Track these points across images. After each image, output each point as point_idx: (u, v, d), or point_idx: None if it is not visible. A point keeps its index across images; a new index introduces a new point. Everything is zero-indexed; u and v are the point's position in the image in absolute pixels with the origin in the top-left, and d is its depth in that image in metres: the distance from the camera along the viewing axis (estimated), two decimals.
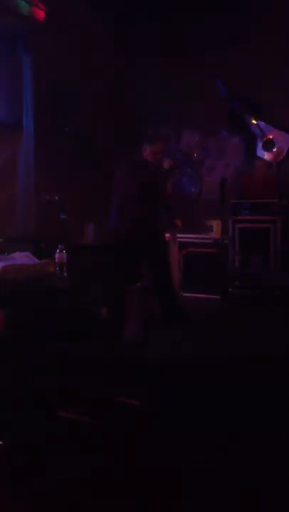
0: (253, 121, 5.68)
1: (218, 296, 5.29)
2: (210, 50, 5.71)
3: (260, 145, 5.71)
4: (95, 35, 5.72)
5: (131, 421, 2.81)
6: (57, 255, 3.53)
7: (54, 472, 2.34)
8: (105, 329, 3.46)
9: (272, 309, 4.93)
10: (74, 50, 5.55)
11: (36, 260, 3.59)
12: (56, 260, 3.53)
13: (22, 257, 3.52)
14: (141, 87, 6.02)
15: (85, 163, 5.71)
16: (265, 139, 5.65)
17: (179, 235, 5.78)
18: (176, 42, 5.89)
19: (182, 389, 3.22)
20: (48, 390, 2.97)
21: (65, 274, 3.52)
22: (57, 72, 5.41)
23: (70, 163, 5.57)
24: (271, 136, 5.63)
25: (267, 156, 5.71)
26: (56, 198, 5.52)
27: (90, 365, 3.12)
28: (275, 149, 5.63)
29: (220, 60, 5.67)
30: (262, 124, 5.65)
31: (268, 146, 5.64)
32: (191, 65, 5.81)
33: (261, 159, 5.75)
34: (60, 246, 3.51)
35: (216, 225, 5.67)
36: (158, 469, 2.36)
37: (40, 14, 4.87)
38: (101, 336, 3.38)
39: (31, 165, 5.39)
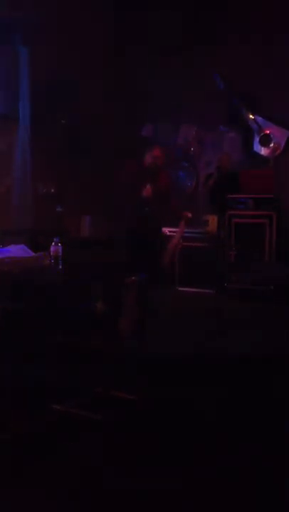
0: (251, 116, 5.67)
1: (213, 291, 5.30)
2: (208, 45, 5.70)
3: (257, 140, 5.70)
4: (94, 29, 5.70)
5: (127, 415, 2.82)
6: (52, 248, 3.54)
7: (52, 466, 2.34)
8: (101, 323, 3.47)
9: (266, 304, 4.95)
10: (72, 43, 5.53)
11: (31, 253, 3.59)
12: (51, 253, 3.54)
13: (17, 250, 3.53)
14: (139, 80, 6.01)
15: (81, 156, 5.71)
16: (262, 134, 5.65)
17: (174, 230, 5.79)
18: (175, 36, 5.88)
19: (179, 383, 3.23)
20: (44, 384, 2.98)
21: (60, 267, 3.53)
22: (54, 63, 5.40)
23: (66, 155, 5.56)
24: (268, 132, 5.62)
25: (264, 151, 5.70)
26: (53, 190, 5.53)
27: (86, 358, 3.13)
28: (271, 144, 5.63)
29: (218, 55, 5.66)
30: (259, 119, 5.65)
31: (265, 141, 5.64)
32: (190, 59, 5.80)
33: (258, 154, 5.75)
34: (55, 239, 3.52)
35: (211, 219, 5.67)
36: (154, 463, 2.36)
37: None
38: (97, 330, 3.39)
39: (28, 157, 5.38)
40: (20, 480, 2.25)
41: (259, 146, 5.70)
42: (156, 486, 2.19)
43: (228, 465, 2.33)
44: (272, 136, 5.62)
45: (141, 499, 2.12)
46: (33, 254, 3.59)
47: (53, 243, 3.53)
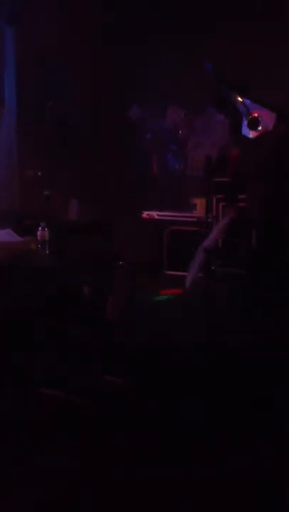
0: (239, 99, 5.62)
1: (200, 275, 5.30)
2: (198, 27, 5.63)
3: (245, 123, 5.66)
4: (82, 11, 5.59)
5: (116, 400, 2.82)
6: (39, 233, 3.52)
7: (38, 456, 2.34)
8: (89, 307, 3.47)
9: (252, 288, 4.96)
10: (59, 25, 5.43)
11: (18, 237, 3.57)
12: (38, 238, 3.52)
13: (3, 235, 3.50)
14: (127, 63, 5.92)
15: (68, 139, 5.65)
16: (250, 117, 5.60)
17: (163, 213, 5.78)
18: (164, 20, 5.79)
19: (167, 367, 3.24)
20: (33, 368, 2.98)
21: (48, 251, 3.51)
22: (40, 46, 5.31)
23: (53, 138, 5.50)
24: (256, 114, 5.58)
25: (252, 134, 5.67)
26: (39, 174, 5.47)
27: (75, 343, 3.13)
28: (260, 128, 5.59)
29: (208, 37, 5.59)
30: (247, 101, 5.60)
31: (253, 124, 5.60)
32: (179, 42, 5.72)
33: (246, 137, 5.71)
34: (41, 224, 3.50)
35: (200, 203, 5.66)
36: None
37: None
38: (85, 314, 3.39)
39: (14, 140, 5.32)
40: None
41: (247, 130, 5.66)
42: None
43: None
44: (260, 119, 5.58)
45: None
46: (19, 238, 3.57)
47: (40, 228, 3.52)
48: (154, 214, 5.78)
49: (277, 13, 5.29)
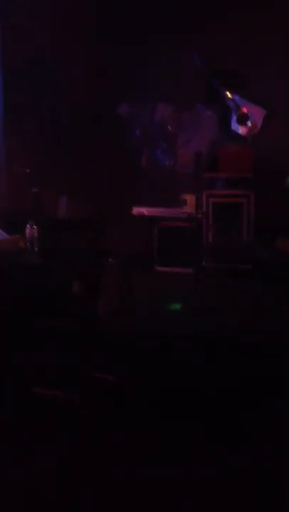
0: (228, 95, 5.61)
1: (191, 271, 5.30)
2: (187, 22, 5.60)
3: (234, 119, 5.66)
4: (70, 8, 5.53)
5: (108, 397, 2.81)
6: (27, 231, 3.49)
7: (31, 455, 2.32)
8: (79, 304, 3.44)
9: (243, 284, 4.98)
10: (46, 22, 5.37)
11: (6, 235, 3.54)
12: (27, 236, 3.49)
13: None
14: (116, 60, 5.88)
15: (56, 135, 5.60)
16: (239, 112, 5.59)
17: (152, 209, 5.76)
18: (152, 16, 5.75)
19: (158, 364, 3.24)
20: (24, 367, 2.96)
21: (36, 249, 3.48)
22: (27, 43, 5.26)
23: (41, 135, 5.46)
24: (245, 110, 5.58)
25: (241, 130, 5.67)
26: (28, 171, 5.42)
27: (65, 340, 3.11)
28: (249, 123, 5.59)
29: (197, 32, 5.56)
30: (237, 97, 5.59)
31: (243, 120, 5.60)
32: (169, 38, 5.69)
33: (235, 133, 5.72)
34: (29, 221, 3.47)
35: (190, 199, 5.65)
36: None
37: None
38: (75, 312, 3.37)
39: (1, 137, 5.26)
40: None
41: (236, 125, 5.66)
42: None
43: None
44: (249, 114, 5.58)
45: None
46: (8, 236, 3.54)
47: (28, 226, 3.49)
48: (144, 210, 5.76)
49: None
